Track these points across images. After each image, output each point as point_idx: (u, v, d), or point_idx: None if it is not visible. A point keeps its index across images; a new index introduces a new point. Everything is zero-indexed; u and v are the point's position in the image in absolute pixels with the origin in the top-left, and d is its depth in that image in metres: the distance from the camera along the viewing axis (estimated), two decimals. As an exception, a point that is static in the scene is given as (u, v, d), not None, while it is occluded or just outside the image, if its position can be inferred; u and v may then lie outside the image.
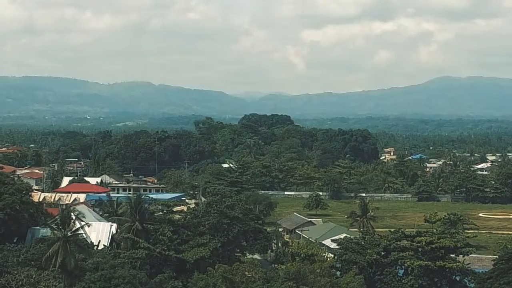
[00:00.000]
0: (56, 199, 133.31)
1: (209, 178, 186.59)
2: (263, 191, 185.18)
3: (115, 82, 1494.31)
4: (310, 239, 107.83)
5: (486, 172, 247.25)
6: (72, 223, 70.16)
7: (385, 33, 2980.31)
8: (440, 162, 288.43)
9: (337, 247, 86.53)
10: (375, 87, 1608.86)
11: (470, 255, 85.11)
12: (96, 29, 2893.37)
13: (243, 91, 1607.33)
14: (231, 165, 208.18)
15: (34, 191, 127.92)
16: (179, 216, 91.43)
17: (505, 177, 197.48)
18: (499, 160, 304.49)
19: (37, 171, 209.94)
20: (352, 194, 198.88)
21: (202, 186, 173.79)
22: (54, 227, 70.11)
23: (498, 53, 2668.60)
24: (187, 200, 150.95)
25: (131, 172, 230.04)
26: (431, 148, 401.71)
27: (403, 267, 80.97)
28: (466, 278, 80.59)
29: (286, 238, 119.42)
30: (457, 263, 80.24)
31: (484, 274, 77.48)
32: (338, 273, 79.66)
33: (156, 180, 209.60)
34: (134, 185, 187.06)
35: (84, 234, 74.52)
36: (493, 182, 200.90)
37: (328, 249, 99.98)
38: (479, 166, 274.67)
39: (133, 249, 77.75)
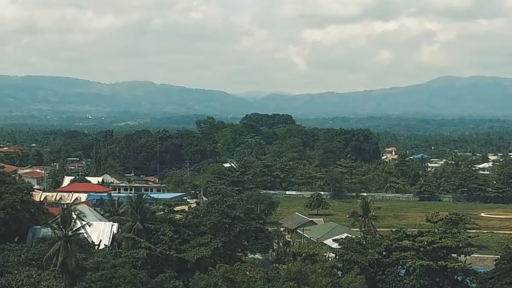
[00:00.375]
0: (57, 198, 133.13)
1: (210, 178, 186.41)
2: (264, 191, 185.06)
3: (116, 82, 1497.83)
4: (311, 238, 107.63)
5: (487, 172, 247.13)
6: (73, 223, 69.99)
7: (387, 33, 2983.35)
8: (442, 162, 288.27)
9: (339, 246, 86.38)
10: (376, 87, 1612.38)
11: (471, 255, 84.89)
12: (98, 29, 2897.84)
13: (245, 90, 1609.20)
14: (233, 165, 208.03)
15: (35, 190, 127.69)
16: (180, 216, 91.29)
17: (506, 176, 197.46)
18: (501, 159, 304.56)
19: (38, 170, 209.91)
20: (354, 194, 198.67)
21: (204, 186, 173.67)
22: (55, 226, 69.92)
23: (500, 52, 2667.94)
24: (188, 200, 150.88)
25: (133, 172, 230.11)
26: (432, 147, 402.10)
27: (405, 267, 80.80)
28: (468, 278, 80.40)
29: (288, 237, 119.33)
30: (459, 263, 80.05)
31: (486, 274, 77.32)
32: (339, 273, 79.50)
33: (157, 180, 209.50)
34: (136, 185, 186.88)
35: (85, 234, 74.41)
36: (494, 182, 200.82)
37: (330, 248, 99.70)
38: (480, 166, 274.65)
39: (134, 248, 77.57)
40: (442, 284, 79.37)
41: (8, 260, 67.95)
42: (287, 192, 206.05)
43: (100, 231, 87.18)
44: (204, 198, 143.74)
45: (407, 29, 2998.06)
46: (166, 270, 74.98)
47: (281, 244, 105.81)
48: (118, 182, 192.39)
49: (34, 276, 60.70)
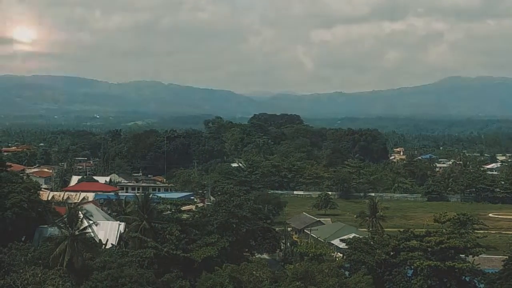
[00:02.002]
0: (65, 198, 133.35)
1: (218, 178, 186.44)
2: (272, 191, 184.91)
3: (124, 82, 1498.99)
4: (318, 238, 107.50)
5: (495, 172, 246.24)
6: (80, 222, 69.96)
7: (394, 33, 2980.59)
8: (450, 162, 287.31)
9: (346, 247, 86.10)
10: (385, 87, 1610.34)
11: (479, 256, 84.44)
12: (106, 29, 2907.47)
13: (253, 90, 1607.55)
14: (240, 165, 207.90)
15: (43, 189, 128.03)
16: (187, 215, 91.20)
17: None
18: (509, 160, 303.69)
19: (46, 170, 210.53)
20: (362, 194, 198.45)
21: (211, 186, 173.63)
22: (62, 226, 69.91)
23: (508, 53, 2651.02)
24: (195, 200, 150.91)
25: (140, 171, 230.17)
26: (441, 148, 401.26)
27: (412, 267, 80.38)
28: (476, 278, 79.95)
29: (295, 237, 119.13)
30: (467, 264, 79.64)
31: (494, 274, 76.99)
32: (346, 273, 79.18)
33: (165, 179, 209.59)
34: (143, 184, 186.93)
35: (92, 233, 74.38)
36: (503, 182, 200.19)
37: (337, 249, 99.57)
38: (488, 166, 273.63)
39: (141, 248, 77.50)
40: (450, 284, 78.95)
41: (15, 259, 68.00)
42: (295, 192, 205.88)
43: (107, 231, 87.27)
44: (212, 198, 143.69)
45: (414, 29, 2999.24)
46: (172, 269, 74.85)
47: (288, 244, 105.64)
48: (125, 181, 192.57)
49: (39, 275, 60.64)
